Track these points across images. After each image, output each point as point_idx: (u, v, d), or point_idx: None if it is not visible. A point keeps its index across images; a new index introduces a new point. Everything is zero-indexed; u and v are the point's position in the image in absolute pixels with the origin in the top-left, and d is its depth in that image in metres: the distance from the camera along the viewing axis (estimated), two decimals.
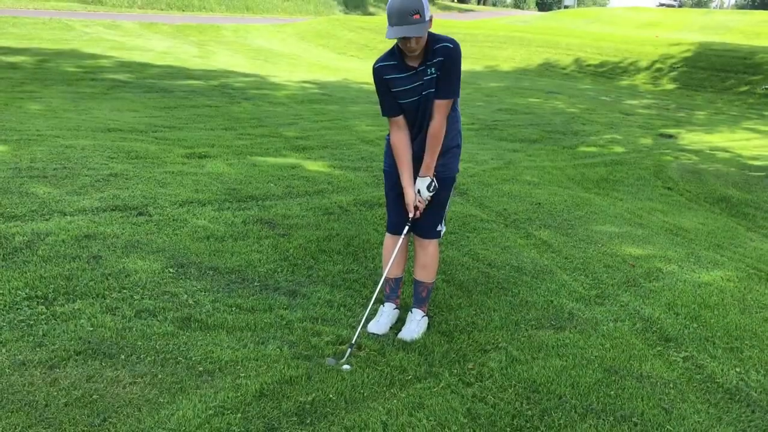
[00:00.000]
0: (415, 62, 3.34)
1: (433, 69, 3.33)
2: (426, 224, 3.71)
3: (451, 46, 3.31)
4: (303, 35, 29.25)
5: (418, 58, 3.33)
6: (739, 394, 3.45)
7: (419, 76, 3.36)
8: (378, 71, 3.43)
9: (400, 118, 3.50)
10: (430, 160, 3.50)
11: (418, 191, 3.55)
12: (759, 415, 3.26)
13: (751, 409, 3.31)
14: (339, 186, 6.58)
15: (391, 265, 3.79)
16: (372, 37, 26.87)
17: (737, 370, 3.69)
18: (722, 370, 3.66)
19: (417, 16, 3.13)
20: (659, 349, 3.87)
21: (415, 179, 3.58)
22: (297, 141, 8.64)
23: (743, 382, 3.56)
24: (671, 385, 3.46)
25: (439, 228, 3.76)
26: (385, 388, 3.18)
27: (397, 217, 3.76)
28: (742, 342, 4.03)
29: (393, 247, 3.78)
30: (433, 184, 3.55)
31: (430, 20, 3.23)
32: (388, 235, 3.85)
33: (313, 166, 7.36)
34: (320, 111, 11.49)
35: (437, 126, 3.43)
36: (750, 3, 71.54)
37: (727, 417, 3.24)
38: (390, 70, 3.40)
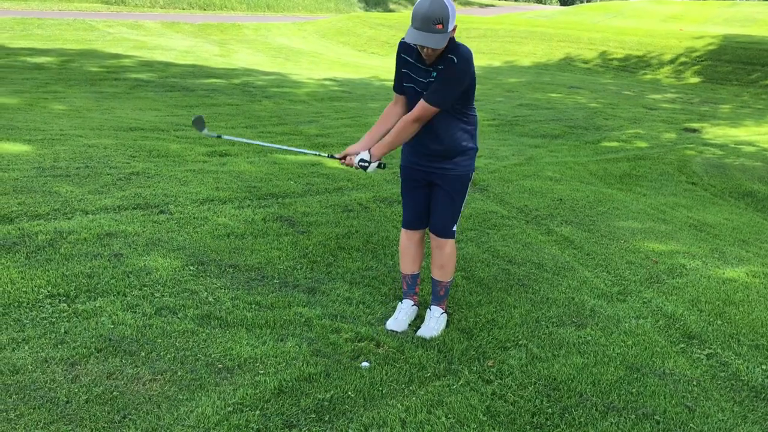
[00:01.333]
0: (429, 60, 3.34)
1: (434, 74, 3.33)
2: (441, 222, 3.69)
3: (455, 60, 3.26)
4: (324, 33, 29.28)
5: (433, 58, 3.32)
6: (765, 392, 3.39)
7: (427, 75, 3.37)
8: (400, 45, 3.46)
9: (402, 97, 3.57)
10: (381, 147, 3.49)
11: (357, 154, 3.53)
12: None
13: None
14: (358, 183, 6.58)
15: (406, 262, 3.80)
16: (392, 33, 26.80)
17: (763, 367, 3.63)
18: (747, 368, 3.60)
19: (440, 26, 3.11)
20: (682, 346, 3.82)
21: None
22: (317, 138, 8.66)
23: None
24: (695, 383, 3.41)
25: (453, 228, 3.73)
26: (403, 386, 3.17)
27: (411, 213, 3.76)
28: (767, 339, 3.96)
29: (408, 242, 3.79)
30: (369, 165, 3.51)
31: (453, 30, 3.20)
32: (403, 230, 3.85)
33: (333, 163, 7.36)
34: (340, 108, 11.49)
35: (406, 119, 3.41)
36: None
37: (752, 415, 3.18)
38: (410, 51, 3.41)
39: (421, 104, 3.36)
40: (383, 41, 26.43)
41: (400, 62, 3.48)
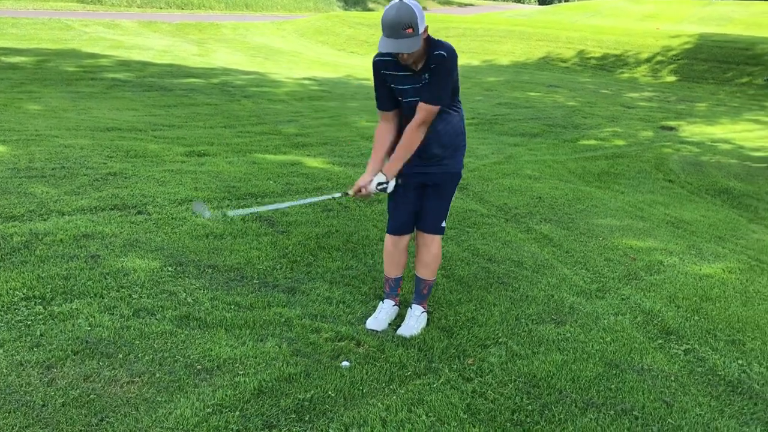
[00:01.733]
0: (415, 66, 3.33)
1: (427, 75, 3.32)
2: (433, 220, 3.70)
3: (445, 54, 3.27)
4: (303, 32, 29.19)
5: (419, 63, 3.31)
6: (741, 386, 3.43)
7: (415, 81, 3.35)
8: (377, 65, 3.41)
9: (390, 113, 3.50)
10: (393, 163, 3.47)
11: (371, 182, 3.51)
12: (761, 408, 3.25)
13: (754, 402, 3.29)
14: (338, 182, 6.56)
15: (391, 266, 3.80)
16: (371, 33, 26.77)
17: (739, 362, 3.67)
18: (724, 363, 3.64)
19: (410, 30, 3.11)
20: (660, 342, 3.85)
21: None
22: (296, 138, 8.63)
23: (745, 374, 3.55)
24: (672, 378, 3.44)
25: (443, 224, 3.75)
26: (384, 385, 3.16)
27: (403, 219, 3.72)
28: (744, 334, 4.01)
29: (393, 248, 3.77)
30: (388, 185, 3.50)
31: (425, 31, 3.21)
32: (390, 237, 3.80)
33: (313, 162, 7.34)
34: (320, 108, 11.47)
35: (411, 127, 3.38)
36: None
37: (729, 410, 3.22)
38: (389, 66, 3.37)
39: (424, 107, 3.33)
40: (362, 40, 26.41)
41: (381, 80, 3.42)
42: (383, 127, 3.55)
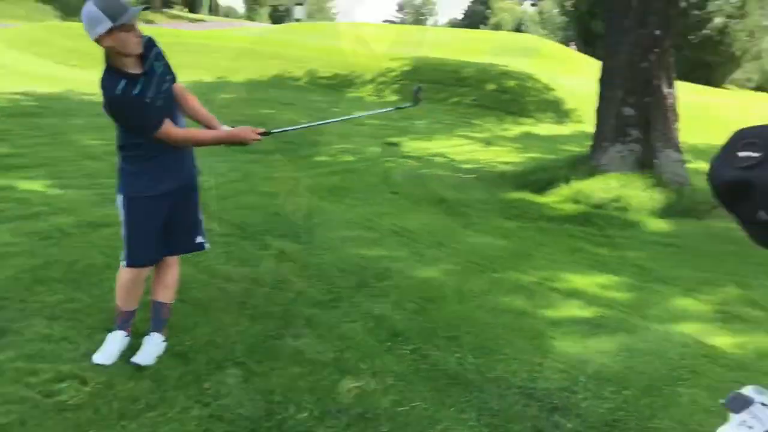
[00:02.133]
0: (137, 68, 3.19)
1: (157, 63, 3.27)
2: (189, 237, 3.63)
3: (149, 36, 3.30)
4: (12, 42, 26.35)
5: (136, 63, 3.19)
6: (458, 377, 3.79)
7: (154, 75, 3.22)
8: (124, 96, 3.12)
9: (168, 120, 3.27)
10: (211, 116, 3.61)
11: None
12: (475, 395, 3.61)
13: (468, 390, 3.65)
14: (58, 207, 6.03)
15: (131, 299, 3.58)
16: (94, 45, 25.06)
17: (456, 356, 4.06)
18: (444, 358, 4.00)
19: None
20: (389, 344, 4.11)
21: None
22: (7, 159, 7.77)
23: (461, 366, 3.93)
24: (401, 377, 3.70)
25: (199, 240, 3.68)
26: (114, 422, 2.97)
27: (151, 249, 3.49)
28: (459, 329, 4.44)
29: (135, 282, 3.53)
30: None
31: None
32: (130, 269, 3.50)
33: (28, 185, 6.67)
34: (35, 125, 10.45)
35: (190, 95, 3.54)
36: (460, 22, 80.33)
37: (449, 400, 3.54)
38: (130, 88, 3.14)
39: (180, 85, 3.42)
40: (85, 52, 24.50)
41: (141, 102, 3.15)
42: (179, 129, 3.39)
